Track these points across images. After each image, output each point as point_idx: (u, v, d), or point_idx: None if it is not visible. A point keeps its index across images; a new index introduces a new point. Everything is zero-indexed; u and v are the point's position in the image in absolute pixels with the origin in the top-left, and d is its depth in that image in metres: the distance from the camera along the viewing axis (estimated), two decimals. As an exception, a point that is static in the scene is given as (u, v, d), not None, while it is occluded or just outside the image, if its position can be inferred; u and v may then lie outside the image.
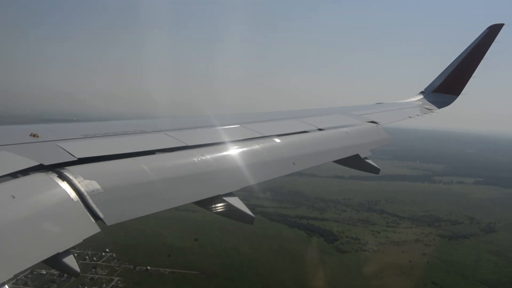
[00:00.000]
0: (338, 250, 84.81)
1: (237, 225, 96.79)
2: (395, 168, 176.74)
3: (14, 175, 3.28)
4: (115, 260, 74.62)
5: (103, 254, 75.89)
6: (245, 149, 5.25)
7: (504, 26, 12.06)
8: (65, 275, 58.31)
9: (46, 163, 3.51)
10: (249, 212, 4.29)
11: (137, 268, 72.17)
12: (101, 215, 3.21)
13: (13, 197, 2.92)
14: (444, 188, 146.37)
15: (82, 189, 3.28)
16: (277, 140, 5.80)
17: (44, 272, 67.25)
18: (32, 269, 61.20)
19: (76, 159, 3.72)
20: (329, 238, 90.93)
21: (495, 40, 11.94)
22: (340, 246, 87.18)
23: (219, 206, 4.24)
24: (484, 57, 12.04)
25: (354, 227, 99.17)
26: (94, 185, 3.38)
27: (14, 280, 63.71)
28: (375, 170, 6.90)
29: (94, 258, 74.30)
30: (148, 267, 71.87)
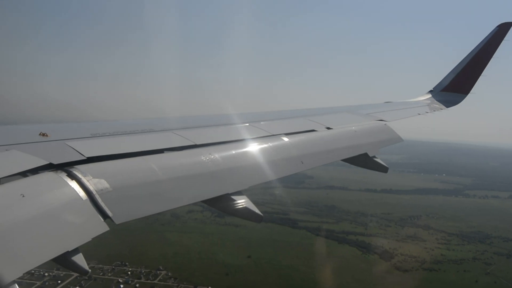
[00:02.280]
0: (397, 269, 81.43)
1: (285, 240, 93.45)
2: (425, 182, 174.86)
3: (24, 174, 3.30)
4: (172, 279, 71.14)
5: (158, 272, 72.50)
6: (253, 147, 5.22)
7: None
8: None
9: (55, 162, 3.52)
10: (257, 211, 4.23)
11: (198, 288, 68.72)
12: (109, 213, 3.20)
13: (23, 196, 2.93)
14: (481, 203, 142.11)
15: (91, 188, 3.29)
16: (286, 139, 5.78)
17: None
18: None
19: (85, 158, 3.73)
20: (384, 256, 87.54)
21: (504, 39, 11.74)
22: (398, 264, 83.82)
23: (228, 205, 4.16)
24: (494, 56, 11.81)
25: (405, 244, 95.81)
26: (103, 183, 3.39)
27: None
28: (384, 169, 6.83)
29: (150, 277, 70.70)
30: (210, 288, 68.31)
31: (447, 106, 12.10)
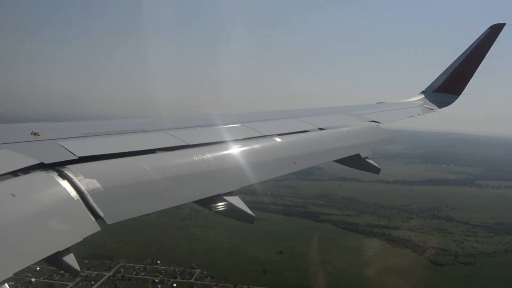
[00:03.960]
0: (434, 263, 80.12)
1: (312, 235, 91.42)
2: (435, 173, 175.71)
3: (15, 173, 3.26)
4: (208, 277, 68.63)
5: (192, 270, 69.95)
6: (245, 148, 5.21)
7: (505, 26, 11.93)
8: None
9: (47, 161, 3.49)
10: (249, 212, 4.25)
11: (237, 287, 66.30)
12: (101, 213, 3.18)
13: (14, 196, 2.90)
14: (496, 193, 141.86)
15: (83, 188, 3.26)
16: (278, 139, 5.76)
17: None
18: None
19: (77, 157, 3.70)
20: (416, 250, 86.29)
21: (496, 40, 11.84)
22: (432, 258, 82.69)
23: (220, 205, 4.18)
24: (486, 57, 11.93)
25: (432, 237, 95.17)
26: (95, 183, 3.37)
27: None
28: (376, 170, 6.85)
29: (186, 276, 68.12)
30: (250, 286, 65.89)
31: (440, 107, 12.11)
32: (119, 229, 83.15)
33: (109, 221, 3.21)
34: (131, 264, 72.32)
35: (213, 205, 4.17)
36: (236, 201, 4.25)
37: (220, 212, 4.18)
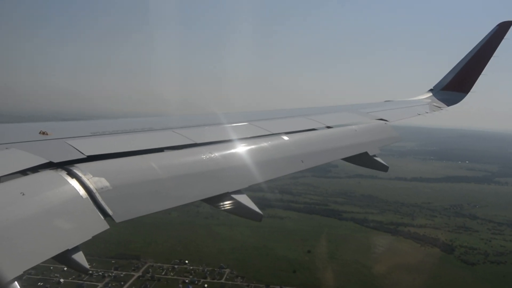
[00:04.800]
0: (464, 262, 78.65)
1: (337, 233, 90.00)
2: (452, 170, 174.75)
3: (24, 172, 3.29)
4: (239, 278, 67.44)
5: (221, 270, 68.83)
6: (253, 146, 5.20)
7: None
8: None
9: (55, 160, 3.51)
10: (257, 210, 4.23)
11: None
12: (110, 212, 3.18)
13: (23, 194, 2.92)
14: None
15: (91, 186, 3.27)
16: (285, 137, 5.75)
17: None
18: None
19: (85, 156, 3.73)
20: (445, 248, 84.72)
21: (505, 37, 11.77)
22: (462, 257, 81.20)
23: (227, 204, 4.17)
24: (494, 55, 11.84)
25: (459, 235, 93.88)
26: (103, 182, 3.38)
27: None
28: (384, 168, 6.80)
29: (216, 276, 66.91)
30: (283, 287, 64.63)
31: (448, 105, 12.01)
32: (142, 228, 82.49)
33: (117, 219, 3.19)
34: (159, 264, 71.35)
35: (221, 203, 4.16)
36: (244, 199, 4.23)
37: (228, 210, 4.19)
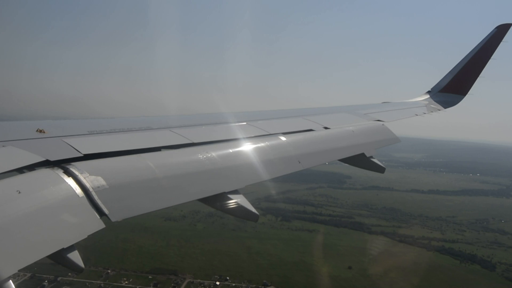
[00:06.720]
0: (510, 280, 76.27)
1: (372, 248, 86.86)
2: (466, 182, 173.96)
3: (20, 170, 3.26)
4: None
5: (265, 288, 65.48)
6: (250, 146, 5.17)
7: None
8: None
9: (52, 158, 3.49)
10: (253, 210, 4.18)
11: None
12: (106, 211, 3.17)
13: (19, 192, 2.91)
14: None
15: (88, 185, 3.25)
16: (283, 138, 5.72)
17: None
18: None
19: (82, 155, 3.71)
20: (485, 265, 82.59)
21: (503, 40, 11.69)
22: (506, 274, 79.23)
23: (224, 204, 4.14)
24: (492, 57, 11.74)
25: (494, 251, 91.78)
26: (100, 181, 3.35)
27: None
28: (380, 169, 6.77)
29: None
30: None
31: (445, 107, 11.96)
32: (171, 241, 78.67)
33: (113, 218, 3.18)
34: (199, 280, 67.60)
35: (218, 203, 4.12)
36: (241, 199, 4.19)
37: (225, 210, 4.14)
